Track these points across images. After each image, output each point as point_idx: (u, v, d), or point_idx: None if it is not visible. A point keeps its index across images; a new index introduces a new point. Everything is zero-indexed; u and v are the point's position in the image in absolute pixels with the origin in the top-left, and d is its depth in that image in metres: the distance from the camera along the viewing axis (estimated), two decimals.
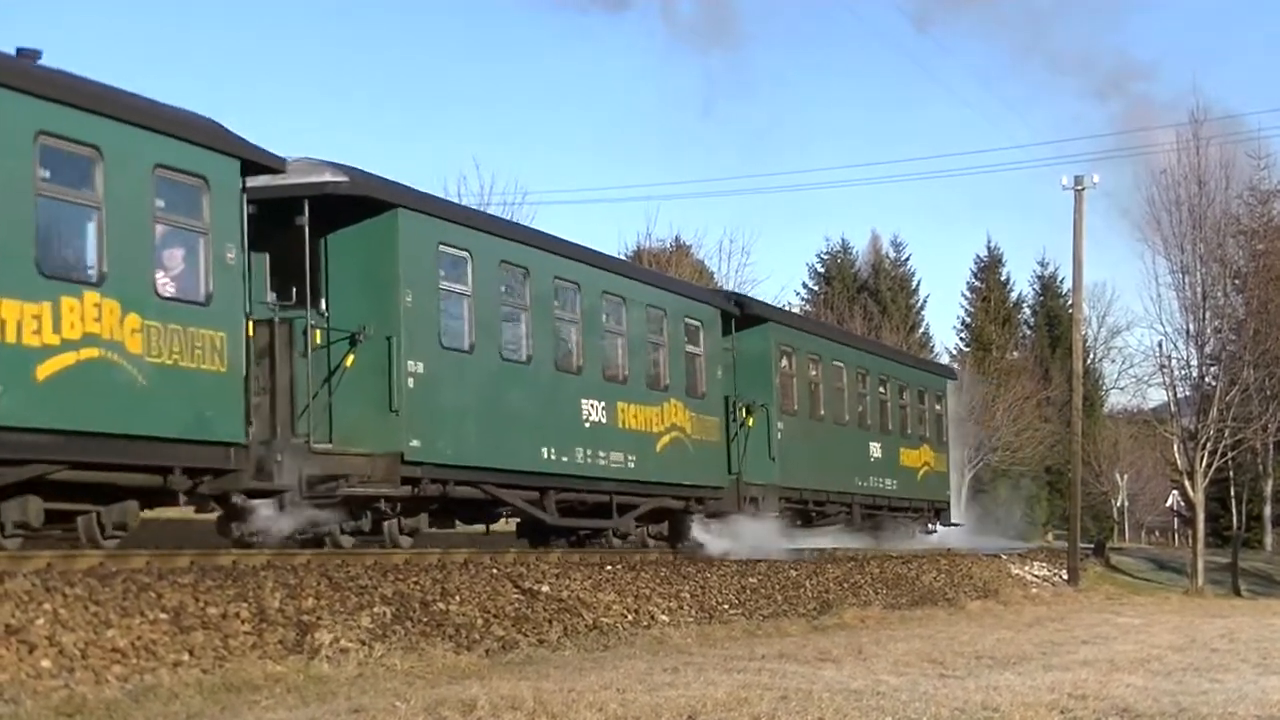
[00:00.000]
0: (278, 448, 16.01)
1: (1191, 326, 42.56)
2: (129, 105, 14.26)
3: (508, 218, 34.75)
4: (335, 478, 16.90)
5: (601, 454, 21.46)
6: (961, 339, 75.13)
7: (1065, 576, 37.92)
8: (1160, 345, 43.62)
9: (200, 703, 11.14)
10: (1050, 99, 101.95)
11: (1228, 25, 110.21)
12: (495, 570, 17.96)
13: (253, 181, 15.74)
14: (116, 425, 13.81)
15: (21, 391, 12.75)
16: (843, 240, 76.02)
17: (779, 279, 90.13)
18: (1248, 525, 57.16)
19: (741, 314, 26.70)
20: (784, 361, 28.27)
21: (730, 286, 43.26)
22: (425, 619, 15.47)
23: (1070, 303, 56.08)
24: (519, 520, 21.73)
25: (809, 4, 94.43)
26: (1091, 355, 68.26)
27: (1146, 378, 47.83)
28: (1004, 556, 37.43)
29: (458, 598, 16.40)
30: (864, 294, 72.08)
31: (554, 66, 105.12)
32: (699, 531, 24.50)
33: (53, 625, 11.76)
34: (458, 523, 20.92)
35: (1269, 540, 57.38)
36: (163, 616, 12.73)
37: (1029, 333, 77.27)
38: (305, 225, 16.91)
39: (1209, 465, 41.62)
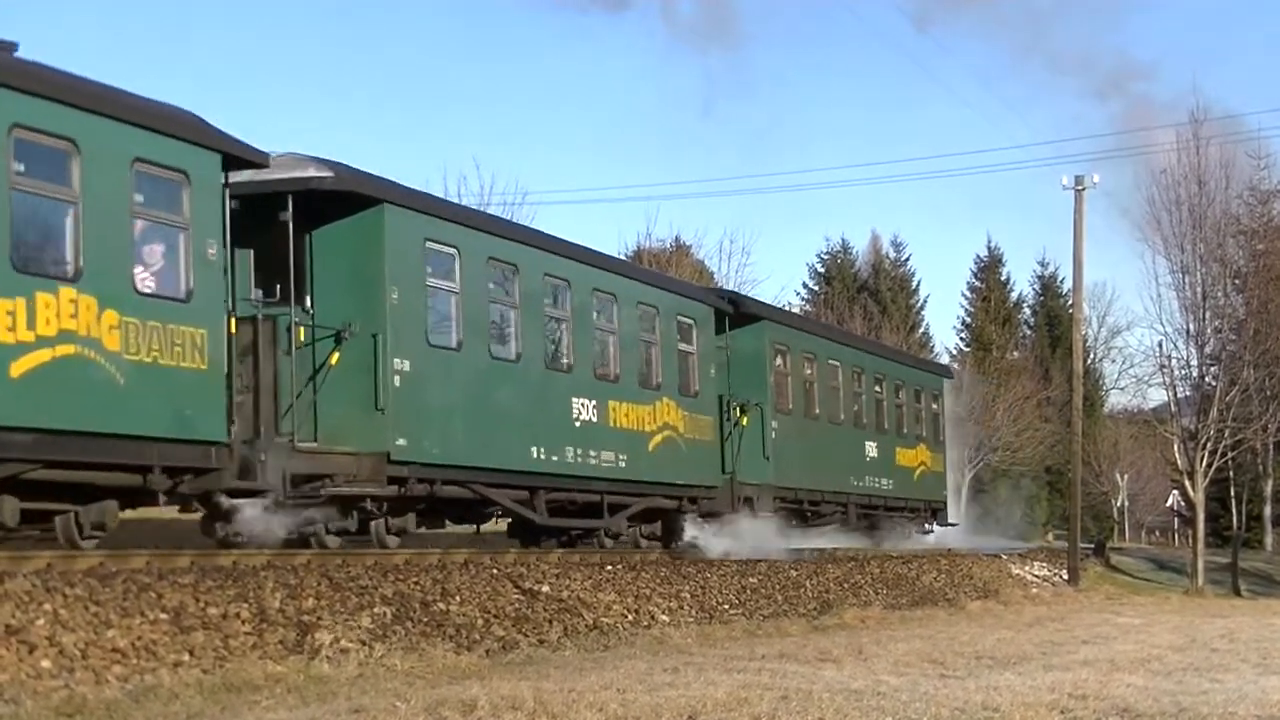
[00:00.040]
0: (261, 447, 15.81)
1: (1191, 326, 42.56)
2: (107, 98, 14.07)
3: (508, 218, 34.51)
4: (320, 477, 16.73)
5: (592, 453, 21.25)
6: (962, 339, 75.16)
7: (1065, 576, 37.86)
8: (1160, 345, 43.66)
9: (200, 703, 11.15)
10: (1050, 99, 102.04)
11: (1228, 25, 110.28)
12: (495, 570, 17.89)
13: (236, 177, 15.54)
14: (94, 424, 13.62)
15: None
16: (843, 240, 76.08)
17: (779, 279, 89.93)
18: (1248, 525, 57.19)
19: (735, 312, 26.51)
20: (778, 360, 28.05)
21: (731, 287, 43.03)
22: (426, 619, 15.43)
23: (1070, 303, 55.99)
24: (510, 520, 21.51)
25: (809, 4, 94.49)
26: (1092, 355, 68.24)
27: (1146, 378, 47.86)
28: (1004, 557, 37.39)
29: (458, 598, 16.35)
30: (864, 294, 71.98)
31: (554, 66, 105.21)
32: (692, 531, 24.27)
33: (53, 625, 11.77)
34: (448, 523, 20.72)
35: (1269, 540, 57.37)
36: (163, 617, 12.72)
37: (1029, 333, 77.19)
38: (289, 221, 16.72)
39: (1209, 465, 41.56)
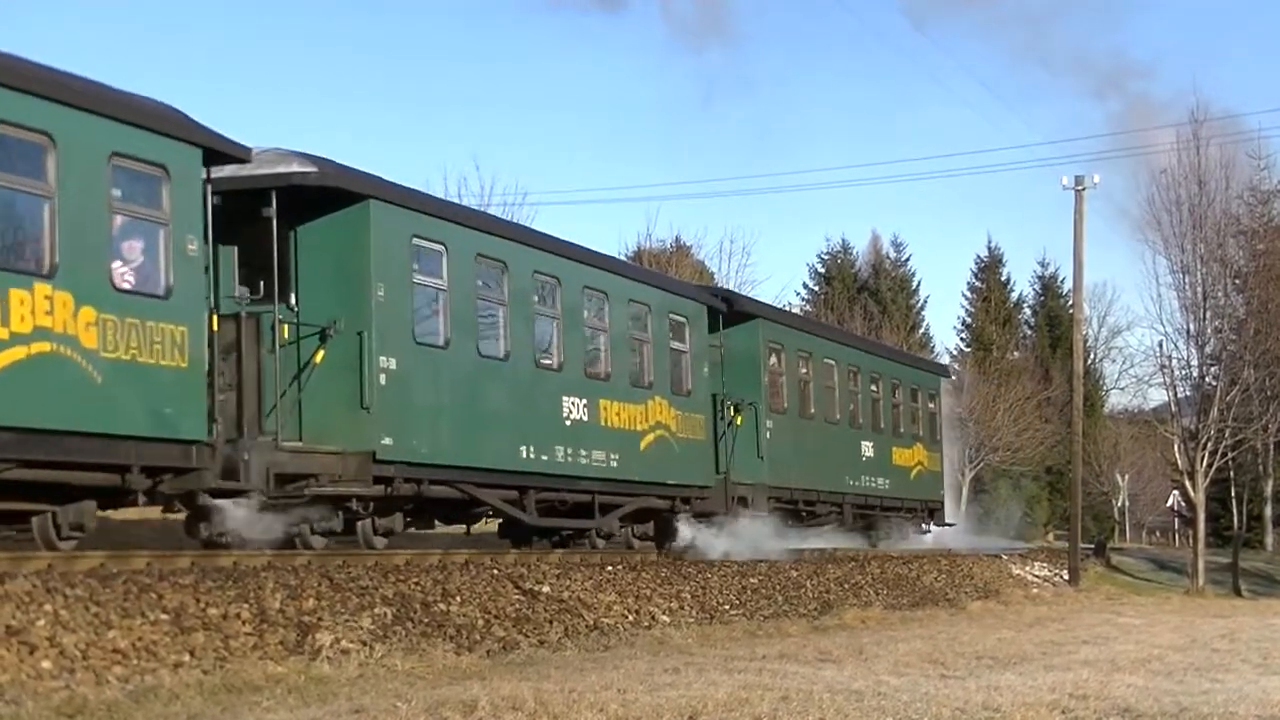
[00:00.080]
0: (244, 446, 15.63)
1: (1192, 326, 42.49)
2: (83, 91, 13.86)
3: (507, 218, 34.29)
4: (304, 476, 16.54)
5: (583, 453, 21.03)
6: (962, 339, 75.07)
7: (1066, 577, 37.81)
8: (1160, 345, 43.61)
9: (201, 704, 11.12)
10: (1050, 99, 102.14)
11: (1228, 25, 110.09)
12: (496, 571, 17.82)
13: (219, 172, 15.35)
14: (70, 422, 13.41)
15: None
16: (843, 240, 75.93)
17: (780, 279, 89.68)
18: (1248, 525, 57.22)
19: (729, 310, 26.29)
20: (773, 359, 27.81)
21: (731, 287, 42.82)
22: (426, 620, 15.38)
23: (1070, 303, 55.82)
24: (501, 520, 21.28)
25: (808, 3, 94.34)
26: (1092, 355, 68.16)
27: (1147, 378, 47.90)
28: (1005, 557, 37.39)
29: (458, 598, 16.29)
30: (864, 294, 71.87)
31: (553, 67, 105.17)
32: (686, 532, 24.04)
33: (53, 626, 11.77)
34: (437, 523, 20.50)
35: (1269, 540, 57.41)
36: (164, 617, 12.69)
37: (1029, 333, 77.09)
38: (273, 217, 16.53)
39: (1209, 465, 41.51)
